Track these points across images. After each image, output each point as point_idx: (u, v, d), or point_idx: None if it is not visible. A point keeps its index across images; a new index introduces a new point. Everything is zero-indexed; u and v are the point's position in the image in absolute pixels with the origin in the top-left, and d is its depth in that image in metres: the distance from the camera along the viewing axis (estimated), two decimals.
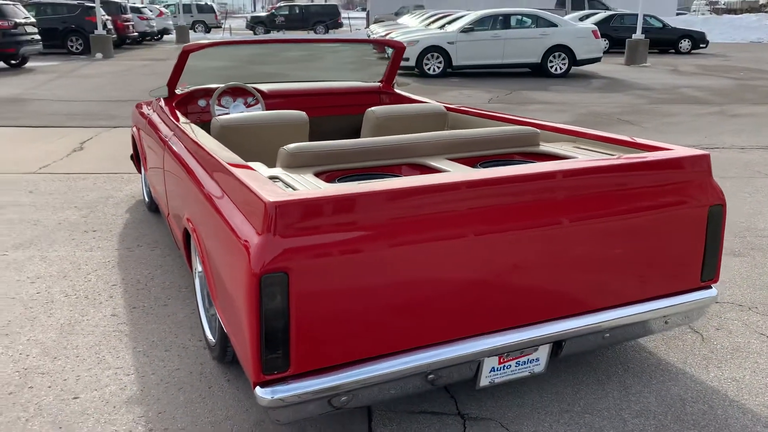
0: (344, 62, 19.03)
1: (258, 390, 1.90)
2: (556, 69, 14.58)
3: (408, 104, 3.71)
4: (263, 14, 34.17)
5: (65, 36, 19.73)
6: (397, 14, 33.63)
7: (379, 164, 2.64)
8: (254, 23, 32.66)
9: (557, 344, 2.33)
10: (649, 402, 2.46)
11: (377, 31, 22.51)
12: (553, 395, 2.51)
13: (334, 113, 4.56)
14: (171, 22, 28.50)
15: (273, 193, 1.91)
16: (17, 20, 14.84)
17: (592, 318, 2.33)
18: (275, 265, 1.81)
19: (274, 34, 32.02)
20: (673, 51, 22.99)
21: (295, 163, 2.54)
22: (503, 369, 2.29)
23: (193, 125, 3.46)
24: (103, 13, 20.18)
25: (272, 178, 2.40)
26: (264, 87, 4.44)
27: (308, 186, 2.25)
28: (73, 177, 5.86)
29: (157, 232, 4.35)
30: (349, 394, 2.00)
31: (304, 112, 3.47)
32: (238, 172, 2.20)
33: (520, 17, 14.95)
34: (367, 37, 5.47)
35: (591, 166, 2.28)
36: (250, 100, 4.18)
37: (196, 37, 29.87)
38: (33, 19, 15.98)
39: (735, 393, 2.51)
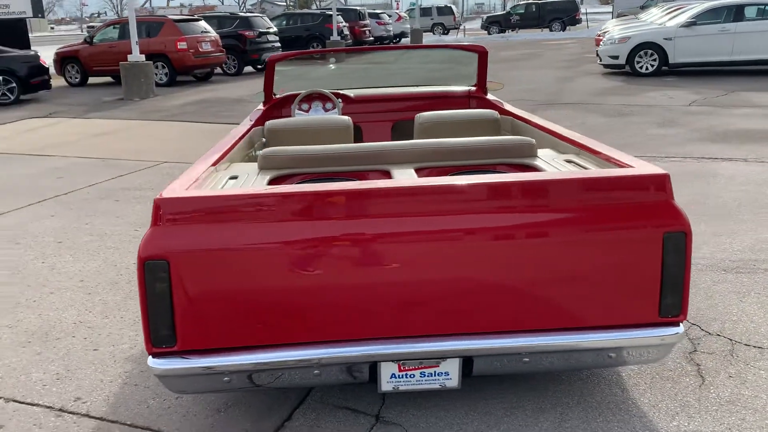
0: (560, 59, 18.54)
1: (149, 360, 2.21)
2: None
3: (459, 110, 3.71)
4: (499, 14, 34.34)
5: (308, 42, 22.00)
6: (644, 8, 31.33)
7: (344, 170, 2.78)
8: (489, 23, 32.95)
9: (469, 361, 2.28)
10: None
11: (609, 27, 21.36)
12: (480, 415, 2.44)
13: None
14: (408, 26, 30.04)
15: (170, 190, 2.20)
16: (261, 30, 17.03)
17: (506, 339, 2.23)
18: (156, 253, 2.10)
19: (509, 33, 32.00)
20: None
21: (267, 166, 2.79)
22: (406, 377, 2.30)
23: (255, 128, 3.90)
24: (342, 20, 22.11)
25: (233, 177, 2.69)
26: (351, 92, 4.72)
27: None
28: None
29: None
30: (233, 375, 2.22)
31: (349, 117, 3.68)
32: (192, 169, 2.54)
33: (762, 6, 13.12)
34: (454, 43, 5.49)
35: (529, 180, 2.18)
36: (328, 105, 4.50)
37: (432, 39, 31.09)
38: (275, 29, 18.17)
39: None
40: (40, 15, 15.93)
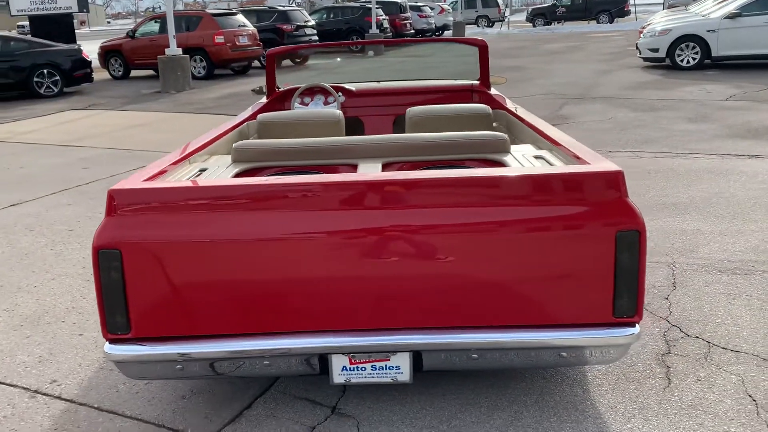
0: (602, 53, 18.09)
1: (105, 346, 2.28)
2: None
3: (450, 104, 3.68)
4: (544, 6, 33.73)
5: (347, 35, 22.07)
6: None
7: (312, 164, 2.80)
8: (534, 15, 32.41)
9: (419, 356, 2.28)
10: None
11: (655, 19, 20.77)
12: (435, 410, 2.43)
13: None
14: (451, 19, 29.78)
15: (125, 181, 2.26)
16: (298, 23, 17.17)
17: (454, 335, 2.22)
18: (108, 243, 2.17)
19: (554, 26, 31.42)
20: None
21: (239, 159, 2.84)
22: (358, 370, 2.32)
23: (250, 122, 3.96)
24: (382, 13, 22.09)
25: (203, 170, 2.75)
26: (353, 86, 4.73)
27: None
28: None
29: None
30: (184, 363, 2.27)
31: (340, 111, 3.70)
32: (161, 160, 2.60)
33: None
34: (454, 37, 5.40)
35: (475, 177, 2.17)
36: (330, 99, 4.52)
37: (476, 32, 30.79)
38: (312, 22, 18.30)
39: None
40: (85, 10, 16.43)
